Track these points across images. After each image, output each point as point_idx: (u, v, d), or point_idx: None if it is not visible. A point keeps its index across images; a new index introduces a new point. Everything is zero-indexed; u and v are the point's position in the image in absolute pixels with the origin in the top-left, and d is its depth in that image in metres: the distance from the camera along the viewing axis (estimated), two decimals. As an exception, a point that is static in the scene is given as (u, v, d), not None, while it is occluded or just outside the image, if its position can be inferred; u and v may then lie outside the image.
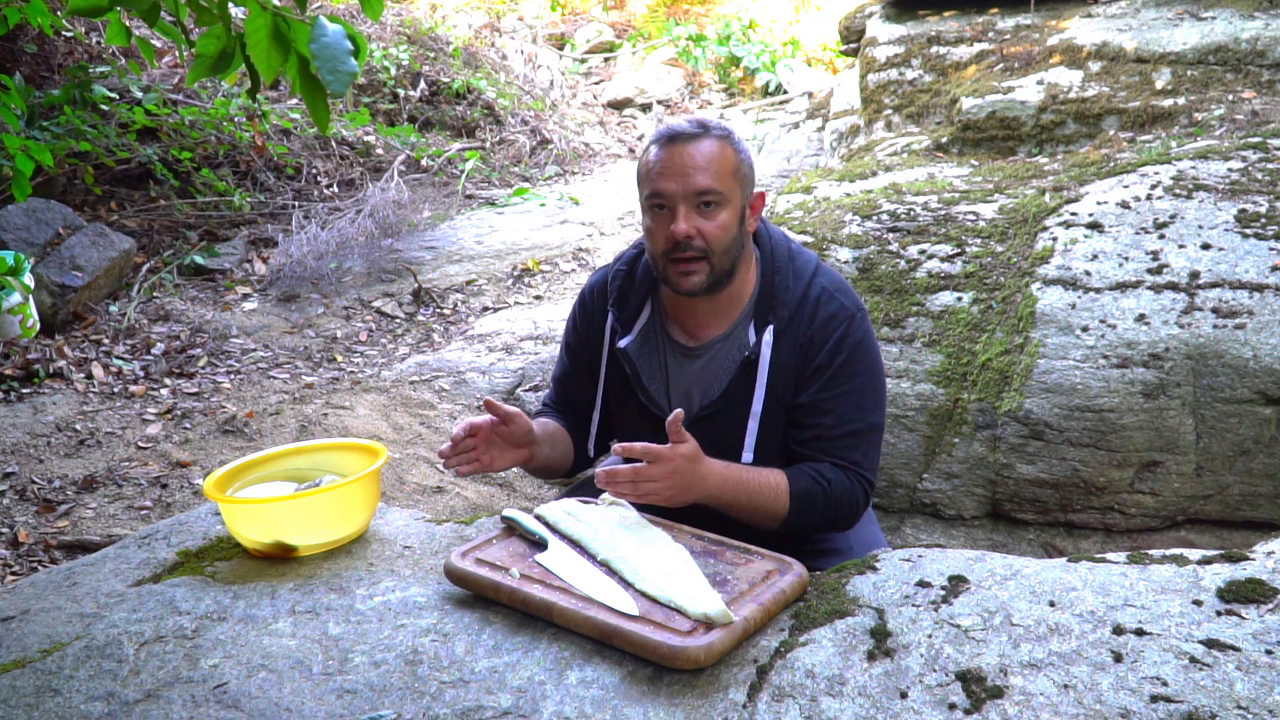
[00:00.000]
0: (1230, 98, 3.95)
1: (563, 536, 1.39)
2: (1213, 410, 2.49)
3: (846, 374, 1.54)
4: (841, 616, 1.20)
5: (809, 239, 3.03)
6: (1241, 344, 2.46)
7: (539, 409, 1.82)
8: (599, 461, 1.97)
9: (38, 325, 3.78)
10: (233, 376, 3.65)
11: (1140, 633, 1.08)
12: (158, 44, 5.26)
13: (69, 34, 5.07)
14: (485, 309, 4.40)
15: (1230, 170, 3.06)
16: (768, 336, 1.54)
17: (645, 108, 8.78)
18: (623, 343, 1.61)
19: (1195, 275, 2.64)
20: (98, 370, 3.63)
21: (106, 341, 3.88)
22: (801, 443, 1.56)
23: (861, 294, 2.72)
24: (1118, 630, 1.09)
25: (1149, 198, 2.97)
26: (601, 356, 1.68)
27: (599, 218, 5.40)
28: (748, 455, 1.55)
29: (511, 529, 1.43)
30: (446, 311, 4.37)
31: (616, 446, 1.39)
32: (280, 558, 1.46)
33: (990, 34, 4.94)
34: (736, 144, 1.53)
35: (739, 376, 1.55)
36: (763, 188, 1.64)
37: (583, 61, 9.79)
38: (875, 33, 5.28)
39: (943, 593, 1.21)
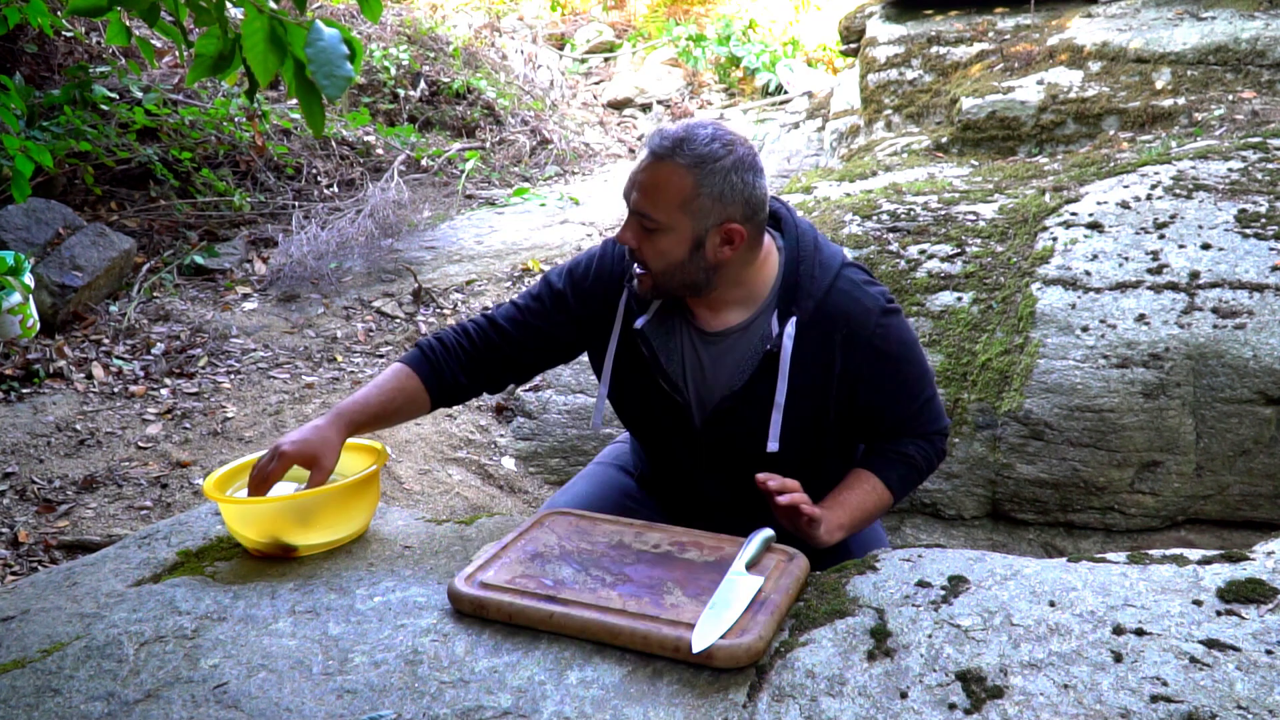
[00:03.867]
0: (1230, 98, 3.95)
1: None
2: (1213, 410, 2.49)
3: (898, 368, 1.58)
4: (841, 616, 1.20)
5: (809, 239, 3.03)
6: (1241, 344, 2.46)
7: (456, 325, 1.68)
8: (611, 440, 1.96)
9: (38, 325, 3.79)
10: (233, 376, 3.65)
11: (1140, 633, 1.08)
12: (158, 44, 5.26)
13: (69, 34, 5.07)
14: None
15: (1230, 170, 3.06)
16: (790, 329, 1.51)
17: (645, 108, 8.79)
18: (639, 323, 1.57)
19: (1195, 275, 2.64)
20: (98, 370, 3.63)
21: (106, 341, 3.88)
22: (880, 435, 1.63)
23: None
24: (1118, 630, 1.09)
25: (1149, 198, 2.98)
26: (611, 333, 1.63)
27: (599, 218, 5.40)
28: (773, 445, 1.54)
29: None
30: (447, 311, 4.37)
31: (761, 477, 1.44)
32: (280, 558, 1.46)
33: (990, 34, 4.95)
34: (704, 173, 1.42)
35: (761, 368, 1.53)
36: (744, 221, 1.48)
37: (583, 61, 9.80)
38: (875, 33, 5.28)
39: (943, 593, 1.21)
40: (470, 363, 1.63)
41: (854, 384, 1.55)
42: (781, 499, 1.44)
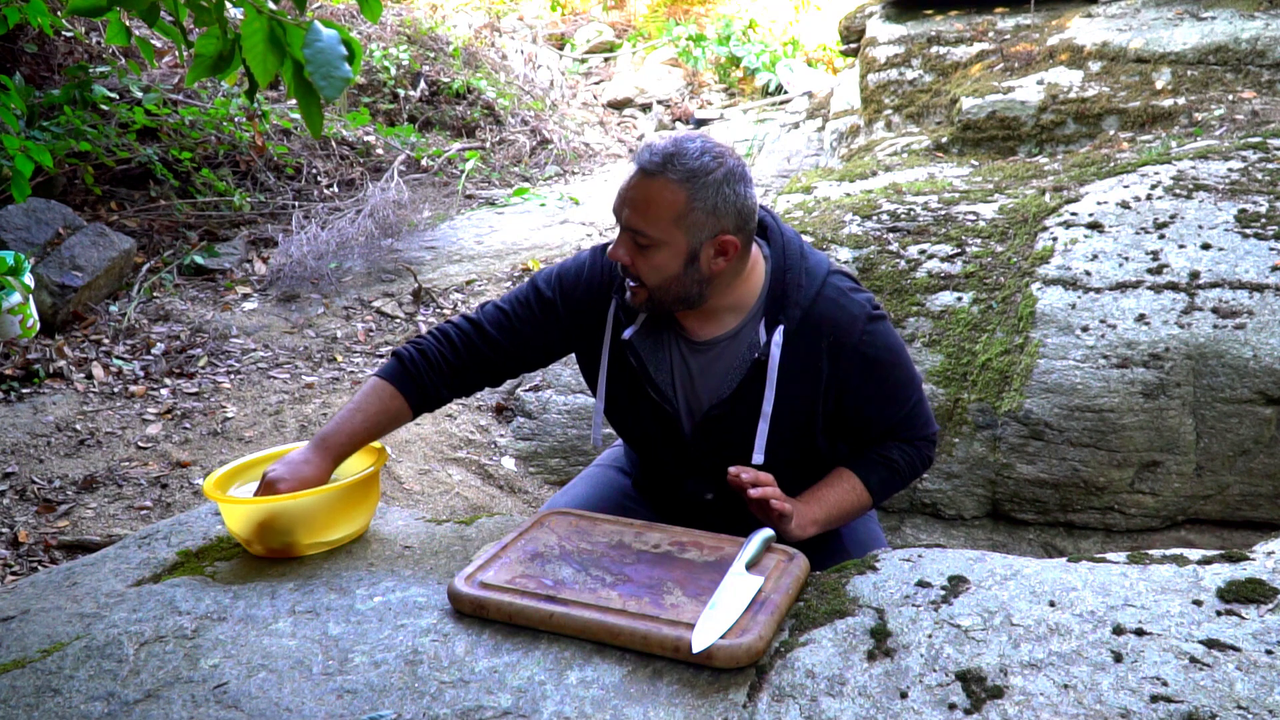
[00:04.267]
0: (1230, 98, 3.95)
1: None
2: (1213, 410, 2.49)
3: (884, 373, 1.58)
4: (841, 616, 1.20)
5: (809, 239, 3.03)
6: (1241, 344, 2.46)
7: (437, 331, 1.63)
8: (606, 443, 1.97)
9: (38, 325, 3.78)
10: (233, 376, 3.65)
11: (1140, 633, 1.08)
12: (158, 44, 5.26)
13: (69, 34, 5.07)
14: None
15: (1230, 170, 3.06)
16: (777, 337, 1.52)
17: (645, 108, 8.79)
18: (627, 333, 1.57)
19: (1195, 275, 2.64)
20: (98, 370, 3.63)
21: (106, 341, 3.88)
22: (868, 440, 1.64)
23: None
24: (1118, 630, 1.09)
25: (1149, 198, 2.98)
26: (602, 345, 1.63)
27: (599, 218, 5.40)
28: (758, 457, 1.54)
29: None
30: (447, 311, 4.37)
31: (734, 471, 1.46)
32: (280, 558, 1.46)
33: (990, 34, 4.95)
34: (697, 186, 1.43)
35: (749, 377, 1.54)
36: (736, 232, 1.48)
37: (583, 61, 9.80)
38: (875, 33, 5.28)
39: (943, 593, 1.21)
40: (453, 375, 1.61)
41: (841, 391, 1.56)
42: (753, 492, 1.45)
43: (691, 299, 1.52)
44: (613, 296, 1.61)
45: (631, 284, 1.51)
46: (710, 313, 1.57)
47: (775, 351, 1.51)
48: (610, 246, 1.52)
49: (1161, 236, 2.79)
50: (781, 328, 1.52)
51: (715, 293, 1.53)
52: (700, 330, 1.59)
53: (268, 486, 1.45)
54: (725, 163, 1.45)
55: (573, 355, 1.73)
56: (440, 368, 1.60)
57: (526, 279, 1.71)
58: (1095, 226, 2.90)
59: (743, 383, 1.54)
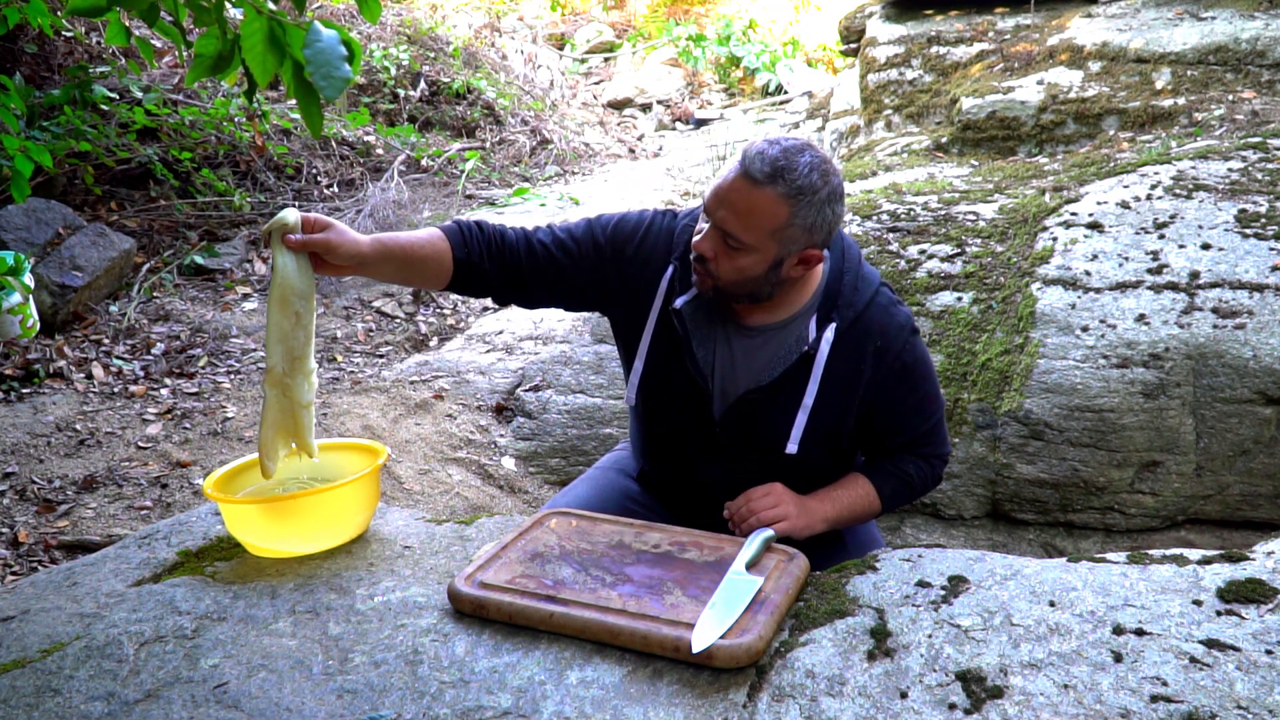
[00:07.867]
0: (1230, 98, 3.96)
1: None
2: (1213, 410, 2.49)
3: (916, 386, 1.62)
4: (841, 616, 1.20)
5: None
6: (1241, 344, 2.46)
7: (504, 228, 1.64)
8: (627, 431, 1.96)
9: (38, 325, 3.78)
10: (233, 376, 3.65)
11: (1140, 633, 1.08)
12: (158, 44, 5.26)
13: (69, 34, 5.07)
14: (485, 309, 4.40)
15: (1230, 170, 3.06)
16: (829, 334, 1.54)
17: (645, 108, 8.79)
18: (678, 302, 1.58)
19: (1195, 275, 2.64)
20: (98, 370, 3.63)
21: (106, 341, 3.88)
22: (887, 450, 1.68)
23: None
24: (1118, 630, 1.09)
25: (1149, 198, 2.98)
26: (649, 310, 1.62)
27: (599, 218, 5.40)
28: (792, 447, 1.56)
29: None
30: (446, 311, 4.37)
31: (727, 515, 1.57)
32: (280, 556, 1.46)
33: (990, 34, 4.95)
34: (801, 204, 1.43)
35: (795, 368, 1.56)
36: (822, 246, 1.51)
37: (583, 61, 9.80)
38: (875, 33, 5.28)
39: (943, 593, 1.21)
40: (499, 256, 1.60)
41: (875, 396, 1.59)
42: (742, 528, 1.54)
43: (760, 297, 1.54)
44: (669, 264, 1.61)
45: (702, 271, 1.52)
46: (759, 304, 1.59)
47: (825, 347, 1.54)
48: (695, 237, 1.52)
49: (1161, 236, 2.79)
50: (834, 325, 1.55)
51: (782, 291, 1.55)
52: (750, 316, 1.60)
53: (317, 225, 1.41)
54: (830, 181, 1.46)
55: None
56: (493, 241, 1.60)
57: (584, 217, 1.70)
58: (1095, 226, 2.90)
59: (786, 373, 1.56)
